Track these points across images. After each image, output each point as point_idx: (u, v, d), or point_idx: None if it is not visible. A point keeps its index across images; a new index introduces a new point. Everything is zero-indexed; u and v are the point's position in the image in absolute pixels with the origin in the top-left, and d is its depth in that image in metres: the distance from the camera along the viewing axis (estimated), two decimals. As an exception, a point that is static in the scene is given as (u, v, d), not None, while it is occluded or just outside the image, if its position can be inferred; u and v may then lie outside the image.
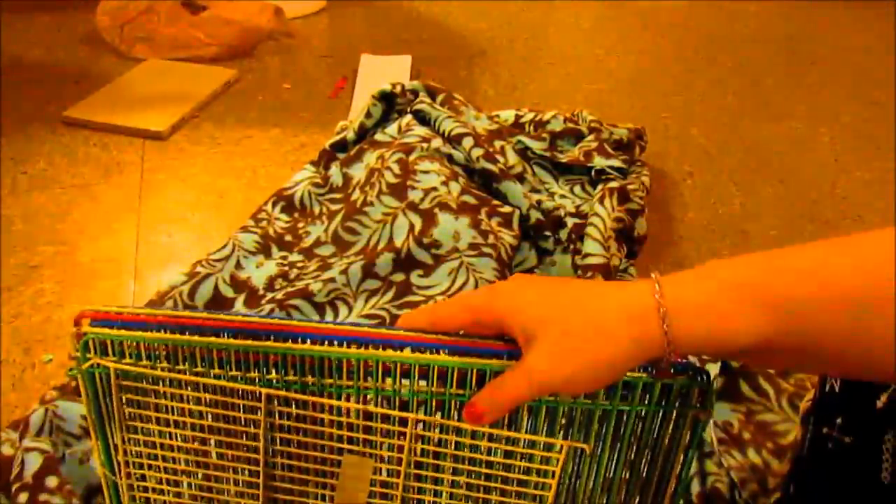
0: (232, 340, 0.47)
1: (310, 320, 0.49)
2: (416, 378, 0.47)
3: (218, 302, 0.88)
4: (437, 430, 0.49)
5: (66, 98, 1.39)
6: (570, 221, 1.00)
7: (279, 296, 0.87)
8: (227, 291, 0.89)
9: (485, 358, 0.46)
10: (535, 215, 0.98)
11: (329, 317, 0.86)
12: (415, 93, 1.17)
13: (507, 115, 1.25)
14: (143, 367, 0.48)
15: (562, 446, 0.49)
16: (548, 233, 0.97)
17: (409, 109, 1.15)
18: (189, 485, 0.54)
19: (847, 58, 1.75)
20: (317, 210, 1.04)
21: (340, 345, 0.47)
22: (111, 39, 1.60)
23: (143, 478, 0.53)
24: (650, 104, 1.50)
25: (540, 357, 0.42)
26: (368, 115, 1.16)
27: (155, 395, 0.50)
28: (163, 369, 0.48)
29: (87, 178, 1.19)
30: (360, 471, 0.51)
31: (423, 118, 1.12)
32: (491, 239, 0.91)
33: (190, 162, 1.24)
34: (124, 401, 0.50)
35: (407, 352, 0.46)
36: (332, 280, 0.88)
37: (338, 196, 1.05)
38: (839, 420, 0.51)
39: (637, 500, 0.53)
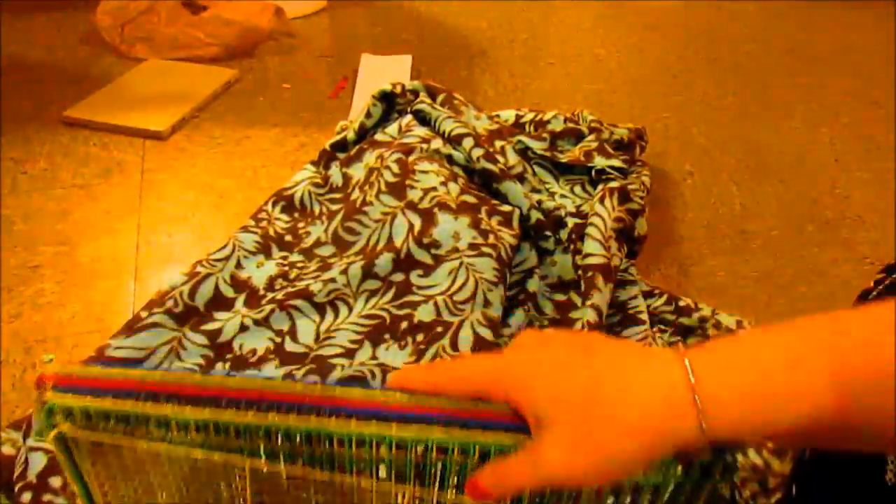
0: (209, 413, 0.42)
1: (294, 380, 0.44)
2: (414, 448, 0.42)
3: (218, 302, 0.88)
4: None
5: (66, 98, 1.39)
6: (571, 221, 1.00)
7: (279, 296, 0.87)
8: (228, 291, 0.89)
9: (490, 431, 0.41)
10: (536, 215, 0.98)
11: (329, 317, 0.86)
12: (415, 93, 1.17)
13: (508, 115, 1.25)
14: (115, 437, 0.44)
15: None
16: (548, 233, 0.97)
17: (409, 109, 1.15)
18: None
19: (847, 58, 1.75)
20: (317, 210, 1.04)
21: (330, 416, 0.42)
22: (111, 39, 1.60)
23: None
24: (650, 104, 1.50)
25: (551, 447, 0.37)
26: (368, 115, 1.16)
27: (133, 458, 0.46)
28: (139, 435, 0.44)
29: (88, 178, 1.19)
30: None
31: (423, 118, 1.12)
32: (491, 238, 0.91)
33: (190, 162, 1.24)
34: (100, 462, 0.46)
35: (402, 428, 0.41)
36: (333, 280, 0.88)
37: (338, 196, 1.05)
38: None
39: None
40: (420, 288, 0.87)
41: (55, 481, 0.64)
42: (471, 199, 0.97)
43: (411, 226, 0.93)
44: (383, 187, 0.99)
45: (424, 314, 0.83)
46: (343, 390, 0.43)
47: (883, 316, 0.35)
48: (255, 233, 0.98)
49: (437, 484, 0.44)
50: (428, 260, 0.89)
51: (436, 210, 0.93)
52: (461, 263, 0.88)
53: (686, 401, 0.35)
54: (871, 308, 0.35)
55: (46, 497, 0.63)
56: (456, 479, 0.44)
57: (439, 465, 0.43)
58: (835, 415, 0.34)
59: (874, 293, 0.52)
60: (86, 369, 0.44)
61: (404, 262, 0.89)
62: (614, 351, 0.40)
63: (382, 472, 0.44)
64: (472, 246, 0.89)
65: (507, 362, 0.41)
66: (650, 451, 0.36)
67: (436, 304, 0.84)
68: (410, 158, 1.03)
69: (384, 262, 0.89)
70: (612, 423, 0.36)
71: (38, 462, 0.66)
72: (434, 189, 0.97)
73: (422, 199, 0.96)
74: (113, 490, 0.49)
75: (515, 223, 0.96)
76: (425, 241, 0.90)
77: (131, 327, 0.82)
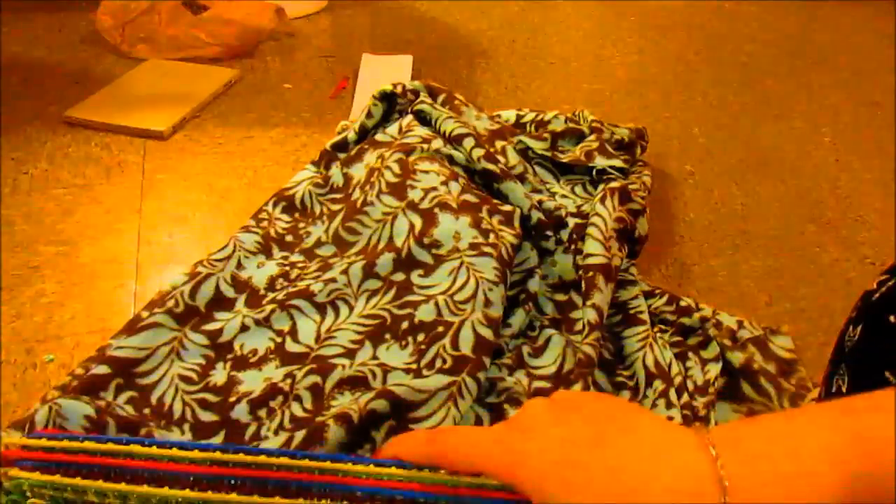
0: (189, 494, 0.40)
1: (281, 453, 0.41)
2: None
3: (219, 302, 0.88)
4: None
5: (67, 98, 1.39)
6: (572, 221, 1.00)
7: (280, 296, 0.87)
8: (228, 291, 0.89)
9: None
10: (537, 215, 0.98)
11: (330, 316, 0.86)
12: (416, 93, 1.17)
13: (509, 115, 1.25)
14: None
15: None
16: (549, 233, 0.97)
17: (409, 110, 1.15)
18: None
19: (848, 58, 1.75)
20: (317, 210, 1.04)
21: (321, 497, 0.39)
22: (112, 39, 1.60)
23: None
24: (651, 104, 1.50)
25: None
26: (369, 115, 1.16)
27: None
28: None
29: (89, 178, 1.19)
30: None
31: (423, 118, 1.12)
32: (492, 238, 0.91)
33: (191, 162, 1.24)
34: None
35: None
36: (333, 280, 0.88)
37: (338, 196, 1.05)
38: None
39: None
40: (421, 287, 0.87)
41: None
42: (472, 198, 0.97)
43: (412, 226, 0.93)
44: (384, 187, 0.99)
45: (425, 314, 0.83)
46: (333, 463, 0.40)
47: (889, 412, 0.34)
48: (256, 233, 0.98)
49: None
50: (429, 260, 0.89)
51: (436, 210, 0.93)
52: (462, 263, 0.88)
53: (713, 493, 0.34)
54: (880, 397, 0.35)
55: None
56: None
57: None
58: (851, 502, 0.33)
59: (877, 295, 0.52)
60: (51, 442, 0.42)
61: (405, 262, 0.89)
62: (633, 434, 0.37)
63: None
64: (472, 245, 0.89)
65: (514, 443, 0.38)
66: None
67: (436, 303, 0.84)
68: (411, 158, 1.03)
69: (385, 261, 0.89)
70: None
71: None
72: (435, 189, 0.97)
73: (422, 198, 0.96)
74: None
75: (516, 222, 0.96)
76: (426, 240, 0.90)
77: (132, 327, 0.82)
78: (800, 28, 1.91)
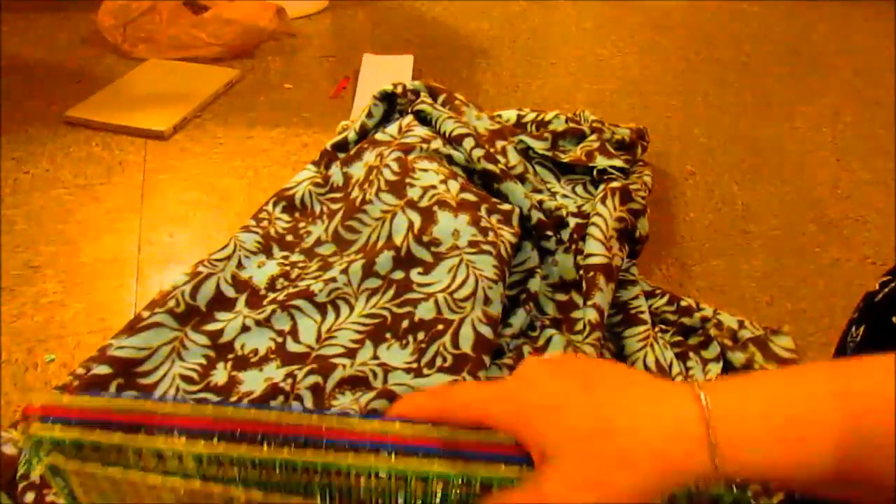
0: (203, 447, 0.41)
1: (291, 411, 0.43)
2: (413, 480, 0.41)
3: (220, 302, 0.88)
4: None
5: (68, 98, 1.39)
6: (572, 221, 1.00)
7: (281, 296, 0.87)
8: (229, 291, 0.89)
9: (493, 464, 0.40)
10: (537, 215, 0.98)
11: (331, 316, 0.86)
12: (416, 93, 1.17)
13: (509, 115, 1.25)
14: (105, 469, 0.43)
15: None
16: (549, 233, 0.97)
17: (410, 110, 1.15)
18: None
19: (849, 57, 1.75)
20: (317, 210, 1.04)
21: (328, 449, 0.41)
22: (113, 39, 1.60)
23: None
24: (652, 104, 1.50)
25: (555, 483, 0.36)
26: (370, 115, 1.16)
27: (127, 486, 0.45)
28: (127, 466, 0.43)
29: (90, 178, 1.19)
30: None
31: (423, 118, 1.12)
32: (491, 236, 0.91)
33: (192, 162, 1.24)
34: (94, 491, 0.45)
35: (402, 461, 0.40)
36: (334, 280, 0.88)
37: (338, 196, 1.05)
38: None
39: None
40: (420, 285, 0.87)
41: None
42: (470, 197, 0.97)
43: (411, 224, 0.93)
44: (383, 185, 0.98)
45: (425, 312, 0.83)
46: (340, 420, 0.41)
47: (883, 370, 0.34)
48: (257, 233, 0.98)
49: None
50: (428, 258, 0.89)
51: (435, 208, 0.93)
52: (461, 261, 0.88)
53: (700, 437, 0.34)
54: (875, 360, 0.35)
55: (49, 497, 0.63)
56: None
57: (439, 497, 0.41)
58: (842, 465, 0.34)
59: (880, 296, 0.52)
60: (73, 399, 0.43)
61: (404, 260, 0.89)
62: (624, 384, 0.39)
63: None
64: (471, 243, 0.89)
65: (513, 394, 0.39)
66: (660, 486, 0.35)
67: (436, 301, 0.84)
68: (410, 157, 1.03)
69: (384, 260, 0.89)
70: (620, 459, 0.35)
71: None
72: (434, 187, 0.97)
73: (421, 197, 0.96)
74: None
75: (515, 221, 0.96)
76: (425, 238, 0.90)
77: (133, 327, 0.82)
78: (800, 28, 1.91)
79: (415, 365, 0.79)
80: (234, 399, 0.76)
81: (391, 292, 0.87)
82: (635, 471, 0.35)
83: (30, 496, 0.63)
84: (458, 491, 0.41)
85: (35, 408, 0.42)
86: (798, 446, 0.34)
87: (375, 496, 0.42)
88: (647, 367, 0.83)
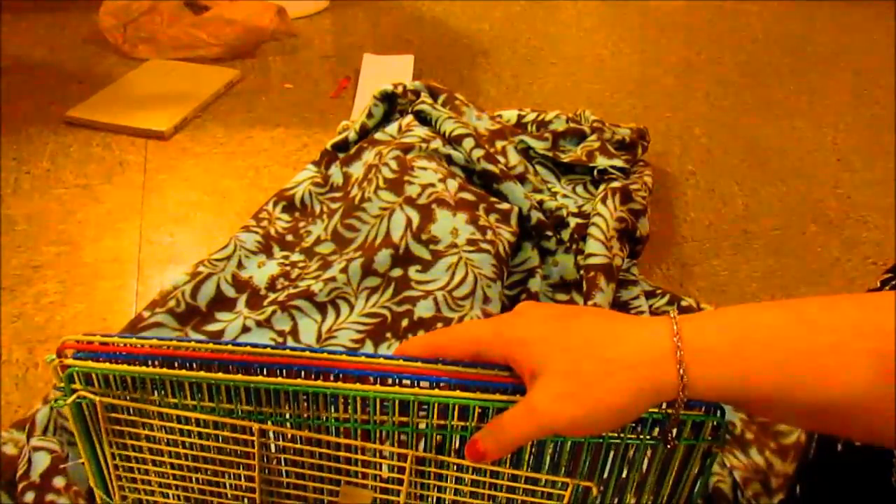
0: (221, 375, 0.44)
1: (304, 349, 0.46)
2: (416, 411, 0.45)
3: (220, 301, 0.88)
4: (436, 466, 0.47)
5: (68, 98, 1.39)
6: (573, 221, 1.00)
7: (281, 297, 0.88)
8: (229, 291, 0.89)
9: (488, 392, 0.43)
10: (536, 215, 0.98)
11: (331, 316, 0.86)
12: (416, 93, 1.17)
13: (510, 115, 1.25)
14: (130, 401, 0.46)
15: (567, 484, 0.47)
16: (550, 233, 0.97)
17: (410, 110, 1.15)
18: None
19: (850, 57, 1.74)
20: (317, 209, 1.04)
21: (336, 378, 0.44)
22: (114, 40, 1.60)
23: (140, 502, 0.52)
24: (653, 104, 1.50)
25: (545, 397, 0.40)
26: (370, 115, 1.16)
27: (144, 426, 0.48)
28: (151, 401, 0.46)
29: (90, 178, 1.19)
30: (357, 502, 0.49)
31: (424, 118, 1.12)
32: (489, 235, 0.91)
33: (192, 162, 1.24)
34: (113, 432, 0.48)
35: (404, 389, 0.44)
36: (333, 279, 0.88)
37: (338, 195, 1.05)
38: None
39: None
40: (419, 283, 0.87)
41: (58, 481, 0.64)
42: (469, 196, 0.97)
43: (409, 221, 0.93)
44: (381, 183, 0.98)
45: (424, 310, 0.83)
46: (348, 357, 0.45)
47: (837, 305, 0.38)
48: (257, 232, 0.98)
49: (435, 449, 0.46)
50: (426, 255, 0.89)
51: (434, 206, 0.93)
52: (460, 259, 0.88)
53: (669, 353, 0.38)
54: (834, 299, 0.38)
55: (49, 497, 0.63)
56: (457, 443, 0.46)
57: (435, 429, 0.45)
58: (778, 390, 0.37)
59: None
60: (104, 338, 0.46)
61: (402, 258, 0.89)
62: (607, 316, 0.43)
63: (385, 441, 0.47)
64: (470, 242, 0.89)
65: (505, 325, 0.43)
66: (636, 400, 0.39)
67: (435, 299, 0.84)
68: (409, 156, 1.03)
69: (383, 257, 0.89)
70: (601, 373, 0.39)
71: (42, 462, 0.66)
72: (432, 185, 0.97)
73: (420, 194, 0.96)
74: (123, 463, 0.50)
75: (514, 220, 0.96)
76: (423, 237, 0.90)
77: (134, 327, 0.82)
78: (801, 28, 1.91)
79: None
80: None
81: (390, 291, 0.87)
82: (612, 386, 0.39)
83: (29, 496, 0.63)
84: (456, 424, 0.45)
85: (70, 343, 0.45)
86: (760, 365, 0.37)
87: (379, 427, 0.46)
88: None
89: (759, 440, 0.72)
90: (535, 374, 0.41)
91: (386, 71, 1.55)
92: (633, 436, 0.46)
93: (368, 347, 0.82)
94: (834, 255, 1.08)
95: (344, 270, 0.89)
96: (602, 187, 1.05)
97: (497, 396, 0.43)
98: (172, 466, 0.50)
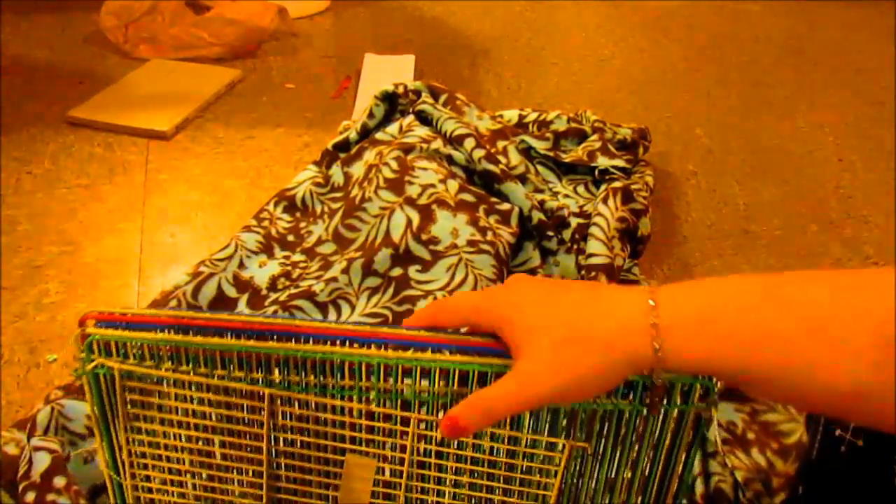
0: (234, 341, 0.47)
1: (312, 319, 0.48)
2: (419, 377, 0.47)
3: (221, 301, 0.88)
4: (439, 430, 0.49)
5: (70, 98, 1.39)
6: (574, 221, 1.00)
7: (282, 297, 0.88)
8: (230, 291, 0.89)
9: (487, 357, 0.45)
10: (537, 216, 0.98)
11: (332, 316, 0.86)
12: (417, 93, 1.17)
13: (511, 115, 1.25)
14: (147, 368, 0.48)
15: (564, 445, 0.49)
16: (551, 233, 0.97)
17: (411, 110, 1.15)
18: (193, 485, 0.54)
19: (851, 58, 1.74)
20: (318, 209, 1.04)
21: (343, 345, 0.46)
22: (115, 39, 1.60)
23: (148, 478, 0.53)
24: (654, 104, 1.50)
25: (530, 368, 0.42)
26: (371, 115, 1.16)
27: (159, 395, 0.50)
28: (166, 370, 0.48)
29: (92, 178, 1.19)
30: (363, 471, 0.51)
31: (424, 119, 1.12)
32: (489, 236, 0.91)
33: (194, 162, 1.25)
34: (128, 401, 0.50)
35: (409, 352, 0.46)
36: (335, 279, 0.88)
37: (339, 195, 1.05)
38: (852, 423, 0.51)
39: (640, 499, 0.52)
40: (419, 283, 0.87)
41: (59, 481, 0.64)
42: (469, 197, 0.97)
43: (409, 221, 0.93)
44: (382, 183, 0.99)
45: (425, 311, 0.83)
46: (355, 327, 0.47)
47: (809, 284, 0.38)
48: (258, 232, 0.98)
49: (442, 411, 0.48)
50: (426, 256, 0.89)
51: (434, 207, 0.93)
52: (460, 259, 0.88)
53: (644, 325, 0.40)
54: (808, 274, 0.39)
55: (50, 497, 0.63)
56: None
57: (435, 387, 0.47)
58: (751, 364, 0.38)
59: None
60: (124, 308, 0.49)
61: (402, 258, 0.89)
62: (592, 288, 0.45)
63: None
64: (470, 243, 0.90)
65: (493, 297, 0.45)
66: (615, 368, 0.41)
67: (435, 299, 0.84)
68: (409, 156, 1.03)
69: (383, 257, 0.89)
70: (583, 344, 0.41)
71: (42, 461, 0.66)
72: (433, 185, 0.97)
73: (420, 194, 0.96)
74: (136, 436, 0.52)
75: (514, 221, 0.96)
76: (423, 237, 0.90)
77: (135, 327, 0.82)
78: (802, 28, 1.91)
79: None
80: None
81: (391, 291, 0.87)
82: (592, 355, 0.40)
83: (30, 496, 0.63)
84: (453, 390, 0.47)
85: (91, 314, 0.48)
86: (713, 343, 0.38)
87: (381, 396, 0.48)
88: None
89: (761, 440, 0.72)
90: (521, 348, 0.42)
91: (387, 71, 1.55)
92: (625, 402, 0.47)
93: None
94: (835, 256, 1.08)
95: (345, 271, 0.89)
96: (603, 187, 1.05)
97: (495, 361, 0.45)
98: (184, 438, 0.51)
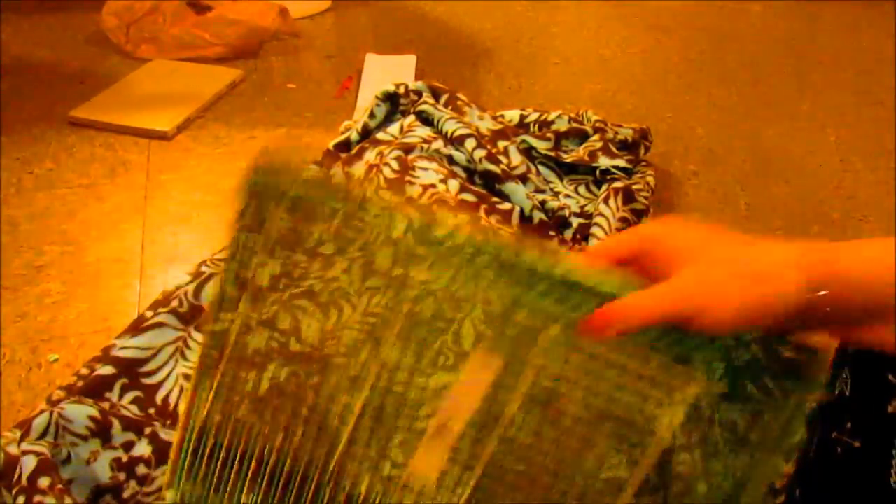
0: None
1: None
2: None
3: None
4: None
5: (71, 98, 1.39)
6: (575, 221, 1.00)
7: (284, 297, 0.87)
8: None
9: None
10: (538, 216, 0.98)
11: (333, 316, 0.86)
12: (418, 93, 1.17)
13: (512, 115, 1.25)
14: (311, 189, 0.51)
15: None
16: (552, 232, 0.97)
17: (412, 110, 1.15)
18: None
19: (852, 58, 1.74)
20: (321, 210, 1.04)
21: None
22: (117, 40, 1.60)
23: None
24: (655, 104, 1.50)
25: (689, 276, 0.43)
26: (372, 115, 1.16)
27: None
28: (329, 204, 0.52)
29: (93, 178, 1.19)
30: None
31: (426, 119, 1.12)
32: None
33: (195, 162, 1.25)
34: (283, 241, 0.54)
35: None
36: (335, 279, 0.88)
37: (341, 196, 1.05)
38: (849, 424, 0.51)
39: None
40: (419, 282, 0.87)
41: (43, 481, 0.64)
42: (470, 197, 0.97)
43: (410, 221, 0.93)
44: (382, 183, 0.99)
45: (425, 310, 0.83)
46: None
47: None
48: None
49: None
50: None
51: (434, 207, 0.93)
52: None
53: (795, 267, 0.43)
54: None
55: (37, 498, 0.63)
56: None
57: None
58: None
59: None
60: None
61: (403, 258, 0.89)
62: (746, 239, 0.48)
63: None
64: (472, 245, 0.89)
65: (666, 224, 0.47)
66: (761, 305, 0.43)
67: (436, 299, 0.84)
68: (410, 156, 1.03)
69: (383, 257, 0.89)
70: (736, 275, 0.43)
71: (29, 465, 0.65)
72: (433, 186, 0.97)
73: (421, 195, 0.96)
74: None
75: (515, 221, 0.96)
76: (426, 238, 0.90)
77: (136, 327, 0.82)
78: (803, 28, 1.91)
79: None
80: (236, 399, 0.76)
81: (391, 290, 0.87)
82: (743, 287, 0.43)
83: (21, 499, 0.63)
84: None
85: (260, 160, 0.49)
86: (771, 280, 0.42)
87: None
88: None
89: (762, 441, 0.72)
90: (680, 266, 0.44)
91: (388, 71, 1.55)
92: (742, 350, 0.49)
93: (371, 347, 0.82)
94: (836, 256, 1.08)
95: (346, 270, 0.89)
96: (604, 187, 1.05)
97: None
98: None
